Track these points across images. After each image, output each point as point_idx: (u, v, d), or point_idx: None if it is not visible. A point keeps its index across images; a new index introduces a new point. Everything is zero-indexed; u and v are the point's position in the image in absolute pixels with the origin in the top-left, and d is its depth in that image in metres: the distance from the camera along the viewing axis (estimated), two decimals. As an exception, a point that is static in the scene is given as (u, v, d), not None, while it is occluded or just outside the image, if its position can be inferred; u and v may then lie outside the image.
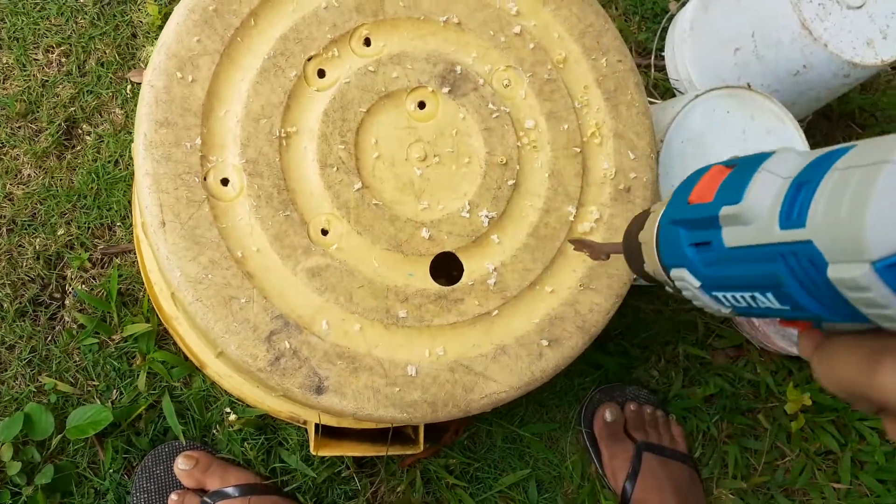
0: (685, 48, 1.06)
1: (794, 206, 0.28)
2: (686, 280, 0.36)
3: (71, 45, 0.94)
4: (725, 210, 0.32)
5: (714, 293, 0.35)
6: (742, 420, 1.04)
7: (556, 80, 0.67)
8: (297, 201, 0.62)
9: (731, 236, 0.32)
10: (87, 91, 0.93)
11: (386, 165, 0.64)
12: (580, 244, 0.62)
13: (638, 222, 0.44)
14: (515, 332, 0.65)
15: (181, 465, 0.84)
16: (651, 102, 1.06)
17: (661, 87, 1.09)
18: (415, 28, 0.66)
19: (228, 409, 0.90)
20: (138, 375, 0.89)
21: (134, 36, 0.96)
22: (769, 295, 0.30)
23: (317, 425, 0.78)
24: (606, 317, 0.66)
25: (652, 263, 0.41)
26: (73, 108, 0.93)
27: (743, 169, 0.32)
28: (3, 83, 0.92)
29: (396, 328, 0.62)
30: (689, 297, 0.37)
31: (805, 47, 0.89)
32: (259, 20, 0.62)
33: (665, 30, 1.11)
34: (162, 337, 0.90)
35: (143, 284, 0.90)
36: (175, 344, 0.90)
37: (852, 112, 1.19)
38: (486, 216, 0.65)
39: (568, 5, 0.69)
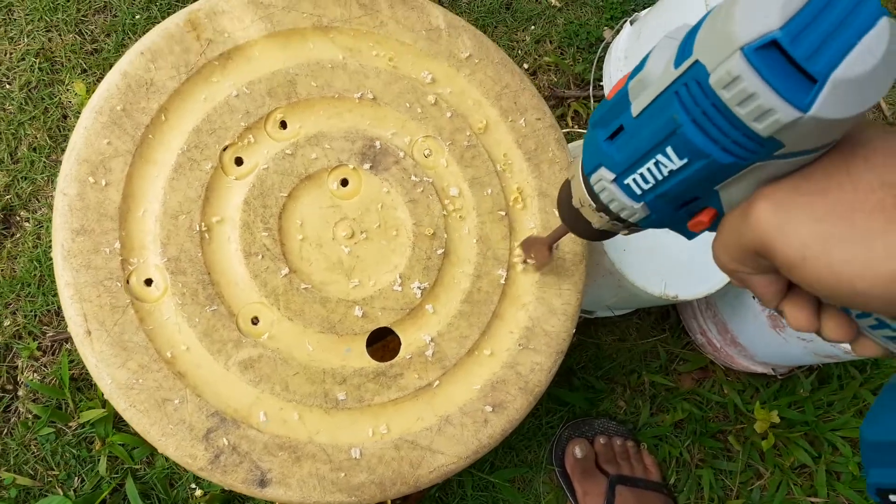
0: (621, 77, 1.06)
1: (687, 45, 0.30)
2: (603, 178, 0.39)
3: (0, 133, 0.93)
4: (633, 82, 0.34)
5: (625, 181, 0.37)
6: (713, 443, 1.04)
7: (477, 145, 0.67)
8: (223, 294, 0.61)
9: (638, 104, 0.34)
10: (21, 178, 0.93)
11: (313, 247, 0.63)
12: (526, 246, 0.65)
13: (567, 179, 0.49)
14: (458, 401, 0.64)
15: (148, 549, 0.83)
16: (593, 134, 1.06)
17: (603, 117, 1.09)
18: (330, 107, 0.65)
19: (194, 485, 0.89)
20: (99, 460, 0.88)
21: (64, 117, 0.95)
22: (669, 150, 0.32)
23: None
24: (549, 375, 0.66)
25: (578, 190, 0.44)
26: (8, 196, 0.92)
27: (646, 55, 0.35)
28: (-64, 179, 0.92)
29: (337, 411, 0.62)
30: (606, 200, 0.40)
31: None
32: (170, 115, 0.62)
33: (602, 59, 1.11)
34: (119, 419, 0.90)
35: (95, 368, 0.89)
36: (133, 425, 0.89)
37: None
38: (419, 287, 0.64)
39: (483, 69, 0.69)
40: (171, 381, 0.58)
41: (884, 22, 0.25)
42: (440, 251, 0.65)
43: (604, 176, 0.39)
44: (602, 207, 0.42)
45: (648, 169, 0.34)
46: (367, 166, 0.65)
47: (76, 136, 0.60)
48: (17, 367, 0.90)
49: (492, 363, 0.66)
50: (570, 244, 0.68)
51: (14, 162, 0.93)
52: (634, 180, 0.36)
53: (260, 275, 0.61)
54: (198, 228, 0.61)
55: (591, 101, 1.09)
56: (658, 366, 1.06)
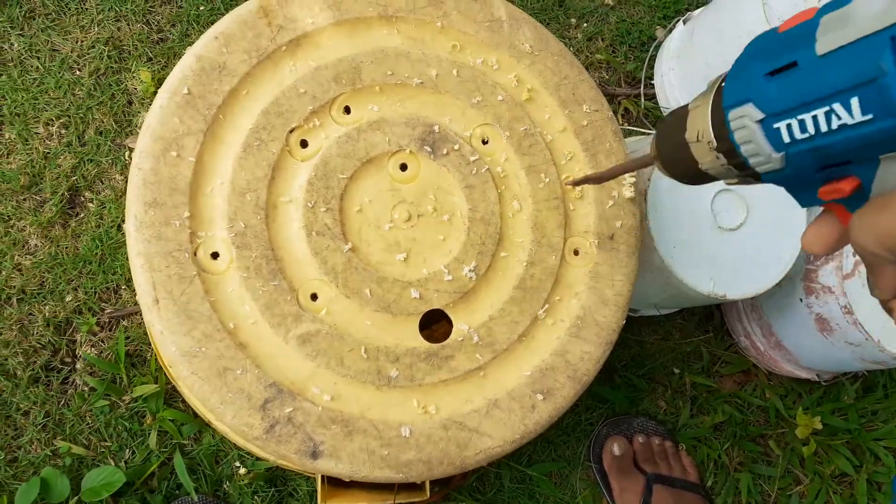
0: (673, 76, 1.07)
1: None
2: (747, 115, 0.35)
3: (70, 117, 0.97)
4: (828, 16, 0.30)
5: (776, 125, 0.33)
6: (753, 447, 1.03)
7: (534, 134, 0.69)
8: (285, 270, 0.63)
9: (828, 41, 0.30)
10: (87, 160, 0.96)
11: (371, 228, 0.65)
12: (581, 181, 0.60)
13: (681, 108, 0.44)
14: (507, 386, 0.65)
15: (194, 522, 0.85)
16: (645, 133, 1.07)
17: (651, 117, 1.10)
18: (392, 93, 0.67)
19: (238, 463, 0.92)
20: (149, 434, 0.91)
21: (130, 103, 0.99)
22: (853, 101, 0.29)
23: (323, 477, 0.79)
24: (597, 365, 0.67)
25: (701, 122, 0.39)
26: (74, 178, 0.95)
27: None
28: (7, 158, 0.96)
29: (388, 389, 0.63)
30: (741, 139, 0.36)
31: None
32: (240, 97, 0.64)
33: (653, 58, 1.12)
34: (170, 395, 0.92)
35: (150, 345, 0.92)
36: (183, 401, 0.92)
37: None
38: (472, 272, 0.66)
39: (542, 60, 0.70)
40: (233, 351, 0.61)
41: None
42: (494, 237, 0.67)
43: (749, 113, 0.34)
44: (726, 148, 0.38)
45: (814, 117, 0.31)
46: (426, 151, 0.67)
47: (151, 114, 0.63)
48: (76, 341, 0.93)
49: (541, 350, 0.67)
50: (625, 236, 0.69)
51: (82, 144, 0.97)
52: (789, 126, 0.32)
53: (320, 252, 0.63)
54: (263, 206, 0.63)
55: (642, 98, 1.10)
56: (700, 367, 1.06)
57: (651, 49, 1.12)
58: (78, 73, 0.99)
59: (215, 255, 0.62)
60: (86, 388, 0.92)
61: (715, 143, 0.38)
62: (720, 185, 0.86)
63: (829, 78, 0.29)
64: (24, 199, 0.94)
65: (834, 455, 1.04)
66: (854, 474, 1.03)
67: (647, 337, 1.05)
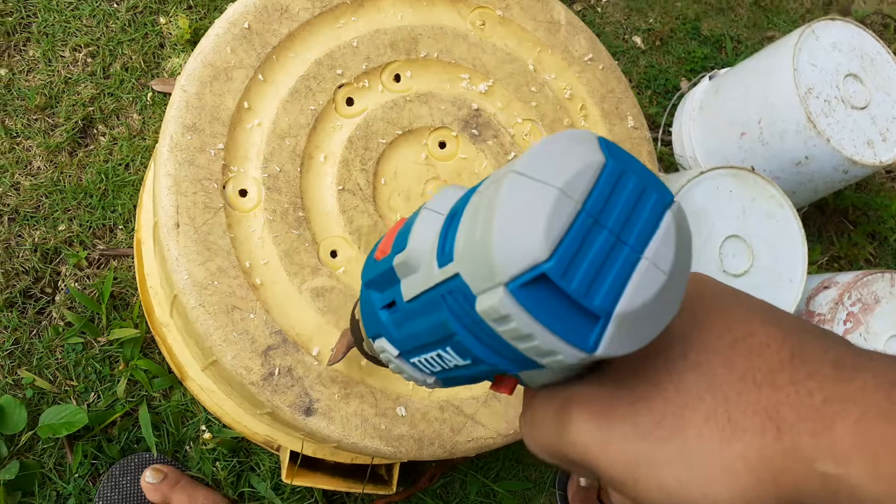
0: (693, 126, 1.09)
1: (447, 239, 0.25)
2: (387, 350, 0.32)
3: (99, 47, 0.95)
4: (397, 259, 0.28)
5: (412, 360, 0.30)
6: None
7: (575, 136, 0.70)
8: (311, 221, 0.62)
9: (407, 288, 0.28)
10: (107, 93, 0.94)
11: (401, 198, 0.65)
12: (342, 336, 0.59)
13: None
14: (509, 378, 0.65)
15: (149, 478, 0.82)
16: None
17: (664, 161, 1.12)
18: (444, 71, 0.68)
19: (204, 427, 0.89)
20: (118, 381, 0.88)
21: (161, 46, 0.98)
22: (449, 349, 0.26)
23: (293, 453, 0.77)
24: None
25: (368, 340, 0.36)
26: (91, 108, 0.93)
27: (415, 213, 0.29)
28: (27, 75, 0.93)
29: (392, 359, 0.62)
30: (395, 370, 0.33)
31: (809, 139, 0.92)
32: (296, 42, 0.64)
33: (675, 106, 1.15)
34: (148, 345, 0.89)
35: (137, 290, 0.90)
36: (160, 354, 0.89)
37: (846, 209, 1.23)
38: (493, 259, 0.66)
39: (592, 70, 0.71)
40: (245, 291, 0.59)
41: (668, 217, 0.22)
42: (520, 229, 0.67)
43: (387, 349, 0.32)
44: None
45: (433, 358, 0.28)
46: (467, 134, 0.67)
47: (206, 39, 0.62)
48: (60, 272, 0.90)
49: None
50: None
51: (105, 77, 0.95)
52: (421, 362, 0.30)
53: (348, 211, 0.63)
54: (300, 153, 0.62)
55: (659, 143, 1.12)
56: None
57: (674, 98, 1.15)
58: (115, 5, 0.97)
59: (244, 193, 0.61)
60: (61, 323, 0.88)
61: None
62: (731, 229, 0.87)
63: (422, 327, 0.27)
64: (37, 120, 0.92)
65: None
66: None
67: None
